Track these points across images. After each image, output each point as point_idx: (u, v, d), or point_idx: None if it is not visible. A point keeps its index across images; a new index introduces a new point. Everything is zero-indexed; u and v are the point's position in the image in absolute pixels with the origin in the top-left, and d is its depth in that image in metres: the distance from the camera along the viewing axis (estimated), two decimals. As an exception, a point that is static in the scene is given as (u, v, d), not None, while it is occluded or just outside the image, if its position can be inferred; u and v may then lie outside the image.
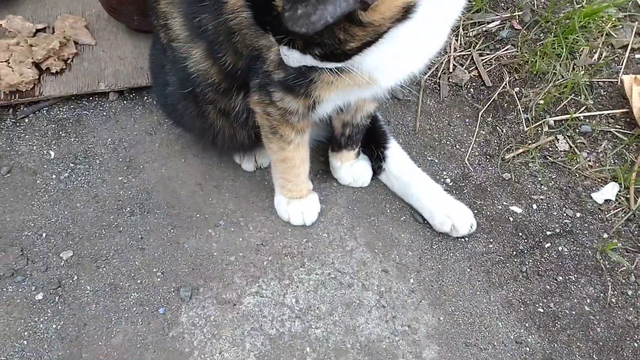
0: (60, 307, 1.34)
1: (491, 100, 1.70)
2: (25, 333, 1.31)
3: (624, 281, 1.43)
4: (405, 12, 0.82)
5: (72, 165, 1.55)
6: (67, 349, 1.29)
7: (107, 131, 1.61)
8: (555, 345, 1.34)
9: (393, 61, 1.00)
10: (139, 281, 1.38)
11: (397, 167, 1.53)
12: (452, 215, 1.46)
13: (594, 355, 1.34)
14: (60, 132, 1.61)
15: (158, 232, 1.44)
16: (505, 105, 1.70)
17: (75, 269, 1.39)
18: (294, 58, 0.89)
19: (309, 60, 0.88)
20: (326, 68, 0.95)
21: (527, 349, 1.33)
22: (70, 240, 1.43)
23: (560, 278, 1.43)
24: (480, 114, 1.68)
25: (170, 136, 1.59)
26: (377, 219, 1.51)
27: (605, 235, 1.49)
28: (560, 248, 1.47)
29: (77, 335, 1.31)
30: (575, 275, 1.44)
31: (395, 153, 1.54)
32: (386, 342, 1.33)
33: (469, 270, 1.44)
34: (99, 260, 1.41)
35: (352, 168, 1.53)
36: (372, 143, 1.54)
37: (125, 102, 1.67)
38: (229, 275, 1.39)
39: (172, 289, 1.37)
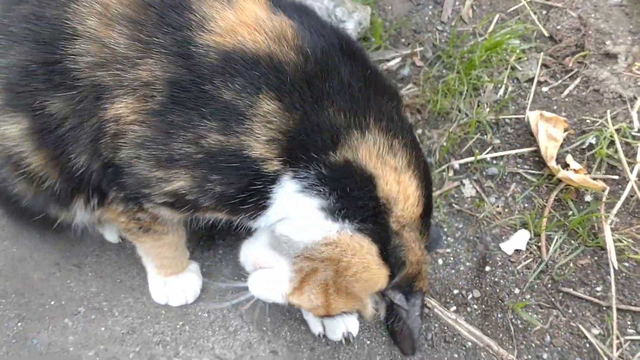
0: None
1: (392, 144, 1.56)
2: None
3: (538, 343, 1.30)
4: None
5: None
6: None
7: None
8: None
9: None
10: (-27, 392, 1.16)
11: None
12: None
13: None
14: None
15: (1, 327, 1.22)
16: (408, 149, 1.56)
17: None
18: None
19: None
20: None
21: None
22: None
23: (469, 344, 1.29)
24: (381, 161, 1.53)
25: (26, 208, 1.38)
26: (268, 288, 1.33)
27: (517, 291, 1.35)
28: (468, 309, 1.33)
29: None
30: (486, 340, 1.29)
31: None
32: None
33: (368, 342, 1.28)
34: None
35: None
36: None
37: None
38: (87, 375, 1.19)
39: (15, 399, 1.16)
